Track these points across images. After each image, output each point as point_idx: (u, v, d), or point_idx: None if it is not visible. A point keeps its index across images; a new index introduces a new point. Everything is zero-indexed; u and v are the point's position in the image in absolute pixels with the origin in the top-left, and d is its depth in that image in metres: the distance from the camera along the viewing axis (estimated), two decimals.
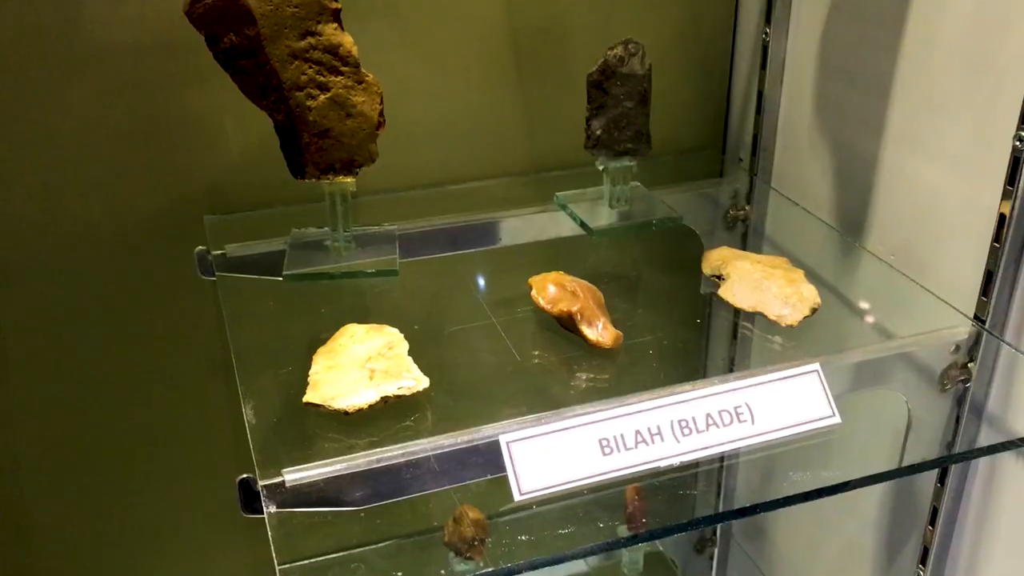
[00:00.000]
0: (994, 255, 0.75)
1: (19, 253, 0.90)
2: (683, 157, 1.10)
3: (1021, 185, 0.72)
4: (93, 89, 0.87)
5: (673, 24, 1.04)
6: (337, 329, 0.76)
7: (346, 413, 0.64)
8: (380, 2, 0.93)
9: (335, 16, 0.78)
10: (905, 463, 0.76)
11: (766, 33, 0.98)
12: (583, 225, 0.93)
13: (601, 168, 0.94)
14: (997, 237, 0.75)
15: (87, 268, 0.93)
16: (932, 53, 0.80)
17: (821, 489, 0.64)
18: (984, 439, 0.79)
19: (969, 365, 0.77)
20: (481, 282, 0.89)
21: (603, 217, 0.94)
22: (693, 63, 1.06)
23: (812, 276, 0.85)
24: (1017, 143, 0.71)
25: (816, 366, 0.66)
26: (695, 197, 1.05)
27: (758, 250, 1.00)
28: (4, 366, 0.94)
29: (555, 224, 0.97)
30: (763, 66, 1.00)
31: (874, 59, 0.86)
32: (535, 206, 0.99)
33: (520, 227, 0.99)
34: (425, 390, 0.66)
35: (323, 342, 0.74)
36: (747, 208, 1.05)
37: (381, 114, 0.82)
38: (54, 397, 0.96)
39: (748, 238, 1.03)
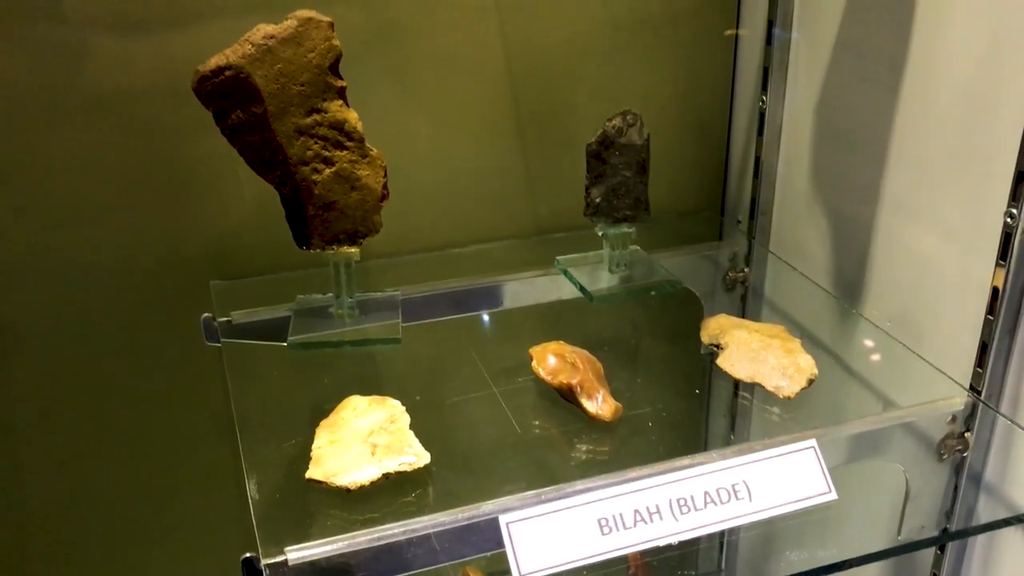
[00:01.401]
0: (988, 327, 0.76)
1: (26, 315, 0.92)
2: (682, 219, 1.11)
3: (1013, 260, 0.73)
4: (99, 146, 0.89)
5: (671, 88, 1.06)
6: (340, 398, 0.77)
7: (348, 490, 0.65)
8: (385, 68, 0.95)
9: (340, 94, 0.80)
10: (903, 533, 0.77)
11: (763, 100, 1.00)
12: (583, 290, 0.94)
13: (600, 234, 0.95)
14: (991, 309, 0.76)
15: (93, 330, 0.94)
16: (926, 125, 0.82)
17: (818, 569, 0.64)
18: (983, 508, 0.80)
19: (966, 435, 0.78)
20: (482, 349, 0.90)
21: (603, 282, 0.95)
22: (691, 127, 1.08)
23: (809, 342, 0.87)
24: (1008, 219, 0.73)
25: (813, 442, 0.67)
26: (694, 260, 1.07)
27: (757, 313, 1.02)
28: (10, 428, 0.95)
29: (556, 287, 0.98)
30: (760, 132, 1.02)
31: (869, 128, 0.88)
32: (536, 269, 1.00)
33: (521, 291, 1.00)
34: (426, 465, 0.67)
35: (326, 412, 0.75)
36: (746, 271, 1.06)
37: (385, 186, 0.84)
38: (58, 458, 0.97)
39: (747, 300, 1.05)
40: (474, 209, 1.04)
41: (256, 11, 0.87)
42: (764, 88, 0.99)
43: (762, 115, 1.01)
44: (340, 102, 0.80)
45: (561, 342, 0.81)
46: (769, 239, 1.06)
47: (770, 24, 0.97)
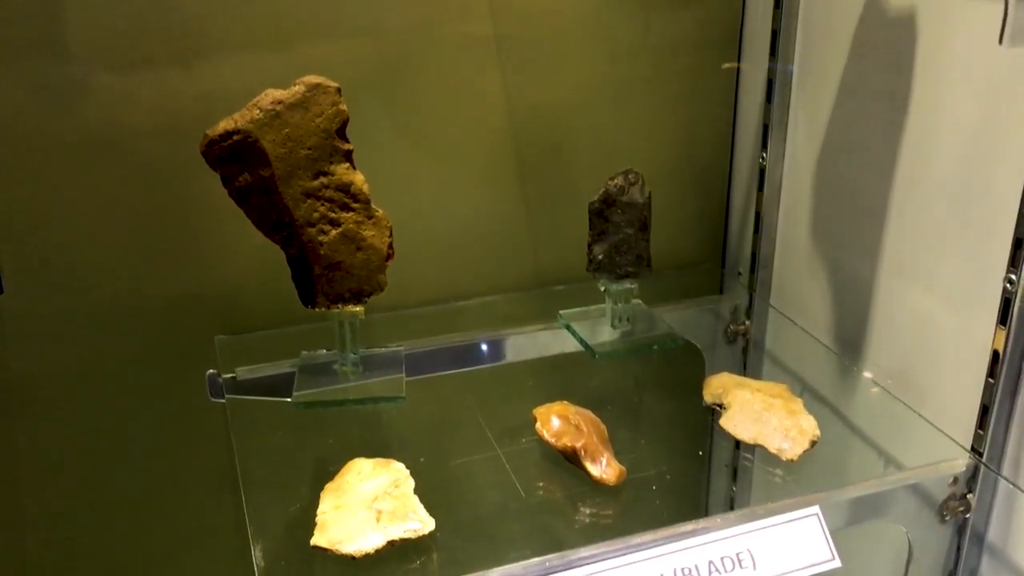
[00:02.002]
0: (989, 390, 0.76)
1: (29, 368, 0.92)
2: (684, 271, 1.12)
3: (1013, 324, 0.74)
4: (100, 192, 0.90)
5: (672, 143, 1.07)
6: (345, 456, 0.78)
7: (353, 558, 0.65)
8: (388, 123, 0.96)
9: (347, 156, 0.81)
10: None
11: (763, 157, 1.01)
12: (586, 346, 0.94)
13: (603, 289, 0.96)
14: (991, 372, 0.76)
15: (96, 382, 0.95)
16: (924, 185, 0.83)
17: None
18: (985, 569, 0.80)
19: (968, 496, 0.78)
20: (486, 407, 0.90)
21: (605, 337, 0.96)
22: (692, 180, 1.09)
23: (811, 398, 0.87)
24: (1007, 284, 0.73)
25: (816, 509, 0.67)
26: (696, 313, 1.07)
27: (758, 367, 1.02)
28: (13, 480, 0.95)
29: (559, 342, 0.99)
30: (760, 188, 1.03)
31: (868, 188, 0.89)
32: (539, 323, 1.01)
33: (524, 345, 1.00)
34: (431, 532, 0.67)
35: (331, 474, 0.75)
36: (747, 323, 1.07)
37: (390, 246, 0.85)
38: (61, 510, 0.97)
39: (748, 353, 1.05)
40: (477, 262, 1.05)
41: (258, 47, 0.89)
42: (764, 145, 1.01)
43: (762, 171, 1.02)
44: (347, 165, 0.82)
45: (565, 402, 0.81)
46: (770, 292, 1.06)
47: (770, 84, 0.98)
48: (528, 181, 1.04)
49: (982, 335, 0.77)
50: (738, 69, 1.05)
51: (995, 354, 0.76)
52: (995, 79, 0.74)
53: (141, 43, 0.86)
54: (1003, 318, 0.74)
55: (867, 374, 0.91)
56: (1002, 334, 0.75)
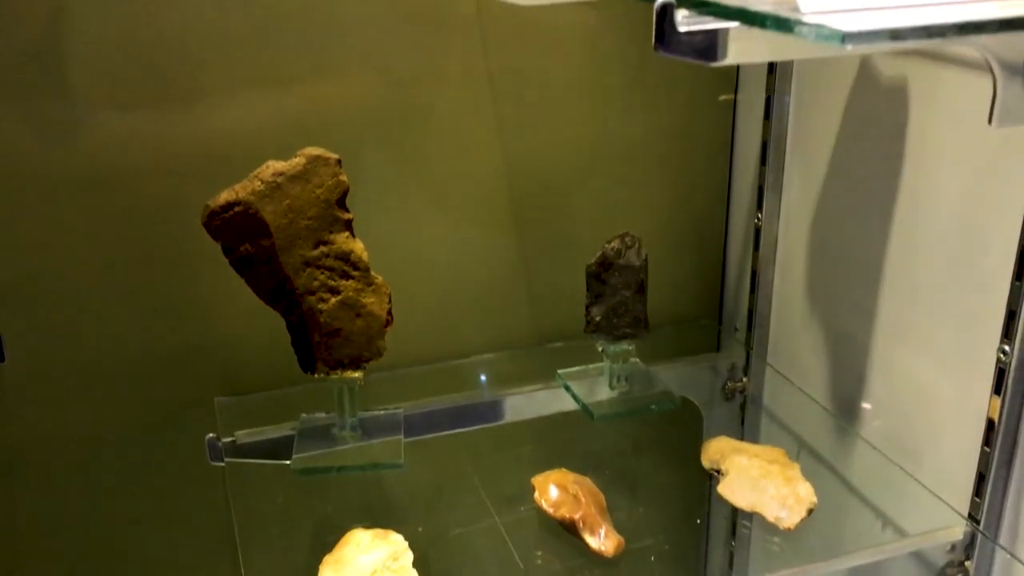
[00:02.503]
0: (985, 458, 0.77)
1: (29, 433, 0.93)
2: (681, 327, 1.13)
3: (1007, 394, 0.74)
4: (100, 241, 0.90)
5: (669, 199, 1.08)
6: (344, 522, 0.78)
7: None
8: (386, 182, 0.97)
9: (347, 226, 0.82)
10: None
11: (758, 217, 1.02)
12: (584, 407, 0.95)
13: (601, 350, 0.97)
14: (987, 440, 0.77)
15: (97, 445, 0.95)
16: (918, 252, 0.84)
17: None
18: None
19: (966, 564, 0.78)
20: (484, 471, 0.91)
21: (604, 398, 0.96)
22: (688, 237, 1.10)
23: (808, 460, 0.87)
24: (1001, 355, 0.74)
25: None
26: (694, 370, 1.08)
27: (756, 426, 1.03)
28: (12, 544, 0.95)
29: (557, 401, 0.99)
30: (756, 247, 1.04)
31: (862, 251, 0.90)
32: (538, 382, 1.01)
33: (523, 405, 1.01)
34: None
35: (329, 544, 0.76)
36: (744, 380, 1.07)
37: (389, 312, 0.86)
38: (61, 573, 0.97)
39: (746, 411, 1.06)
40: (476, 319, 1.06)
41: (258, 86, 0.90)
42: (759, 205, 1.02)
43: (757, 231, 1.03)
44: (347, 233, 0.83)
45: (563, 470, 0.81)
46: (767, 350, 1.07)
47: (764, 145, 1.00)
48: (526, 238, 1.05)
49: (977, 402, 0.78)
50: (733, 126, 1.06)
51: (990, 422, 0.76)
52: (985, 152, 0.75)
53: (144, 83, 0.87)
54: (997, 387, 0.75)
55: (863, 437, 0.92)
56: (997, 403, 0.75)
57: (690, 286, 1.13)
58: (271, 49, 0.89)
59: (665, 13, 0.55)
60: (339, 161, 0.80)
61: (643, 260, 0.93)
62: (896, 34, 0.45)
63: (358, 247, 0.83)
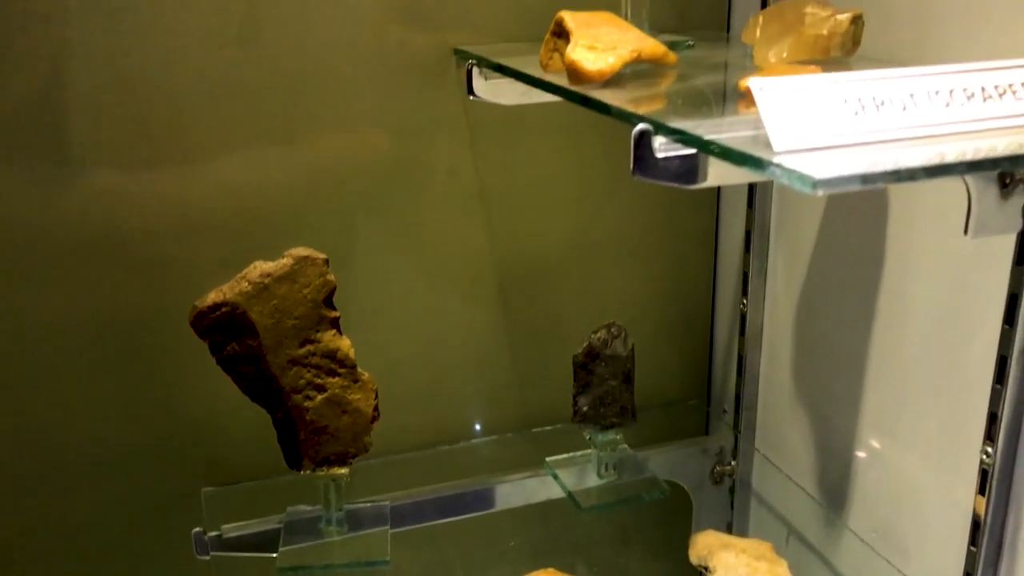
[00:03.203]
0: (972, 558, 0.77)
1: (14, 527, 0.92)
2: (670, 409, 1.13)
3: (992, 495, 0.74)
4: (84, 335, 0.91)
5: (655, 284, 1.09)
6: None
7: None
8: (371, 267, 0.98)
9: (334, 323, 0.83)
10: None
11: (743, 303, 1.03)
12: (571, 498, 0.95)
13: (588, 439, 0.97)
14: (973, 540, 0.77)
15: (81, 537, 0.94)
16: (903, 348, 0.85)
17: None
18: None
19: None
20: (471, 566, 0.90)
21: (592, 487, 0.96)
22: (675, 322, 1.11)
23: (795, 552, 0.87)
24: (984, 456, 0.74)
25: None
26: (683, 454, 1.08)
27: (745, 511, 1.03)
28: None
29: (545, 488, 0.99)
30: (742, 332, 1.04)
31: (847, 342, 0.91)
32: (526, 470, 1.01)
33: (511, 493, 1.00)
34: None
35: None
36: (733, 464, 1.07)
37: (376, 408, 0.86)
38: None
39: (735, 494, 1.06)
40: (463, 405, 1.06)
41: (258, 143, 0.90)
42: (744, 292, 1.03)
43: (743, 316, 1.04)
44: (333, 331, 0.83)
45: (551, 570, 0.81)
46: (755, 434, 1.07)
47: (748, 233, 1.01)
48: (514, 322, 1.06)
49: (963, 500, 0.78)
50: (717, 215, 1.08)
51: (975, 522, 0.76)
52: (966, 252, 0.76)
53: (141, 141, 0.87)
54: (982, 487, 0.75)
55: (850, 527, 0.92)
56: (982, 502, 0.76)
57: (678, 368, 1.14)
58: (263, 115, 0.90)
59: (643, 139, 0.56)
60: (326, 261, 0.81)
61: (629, 350, 0.94)
62: (867, 179, 0.46)
63: (344, 344, 0.83)
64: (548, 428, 1.08)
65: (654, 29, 0.90)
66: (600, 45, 0.70)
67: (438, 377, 1.04)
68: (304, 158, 0.93)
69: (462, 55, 0.90)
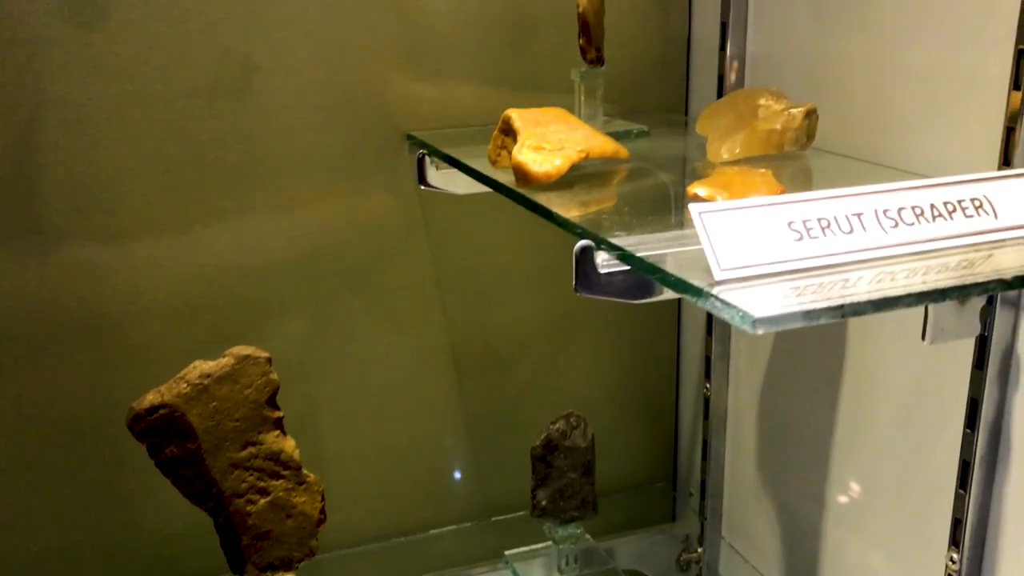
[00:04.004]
0: None
1: None
2: (635, 492, 1.10)
3: None
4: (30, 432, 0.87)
5: (618, 366, 1.06)
6: None
7: None
8: (325, 354, 0.95)
9: (277, 424, 0.79)
10: None
11: (707, 387, 1.01)
12: None
13: (548, 532, 0.94)
14: None
15: None
16: (867, 445, 0.82)
17: None
18: None
19: None
20: None
21: None
22: (639, 404, 1.08)
23: None
24: (950, 562, 0.72)
25: None
26: (649, 542, 1.05)
27: None
28: None
29: None
30: (706, 416, 1.02)
31: (811, 435, 0.88)
32: (484, 564, 0.98)
33: None
34: None
35: None
36: (699, 551, 1.04)
37: (322, 511, 0.82)
38: None
39: None
40: (420, 494, 1.02)
41: (210, 224, 0.88)
42: (707, 376, 1.00)
43: (707, 400, 1.01)
44: (277, 432, 0.80)
45: None
46: (721, 520, 1.04)
47: (710, 316, 0.99)
48: (472, 408, 1.03)
49: None
50: (679, 300, 1.05)
51: None
52: (925, 356, 0.74)
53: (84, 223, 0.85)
54: None
55: None
56: None
57: (644, 450, 1.11)
58: (218, 196, 0.88)
59: (585, 255, 0.54)
60: (268, 359, 0.78)
61: (589, 440, 0.91)
62: (810, 315, 0.44)
63: (288, 446, 0.80)
64: (509, 516, 1.04)
65: (609, 114, 0.90)
66: (548, 145, 0.68)
67: (393, 465, 1.00)
68: (257, 242, 0.91)
69: (415, 141, 0.88)
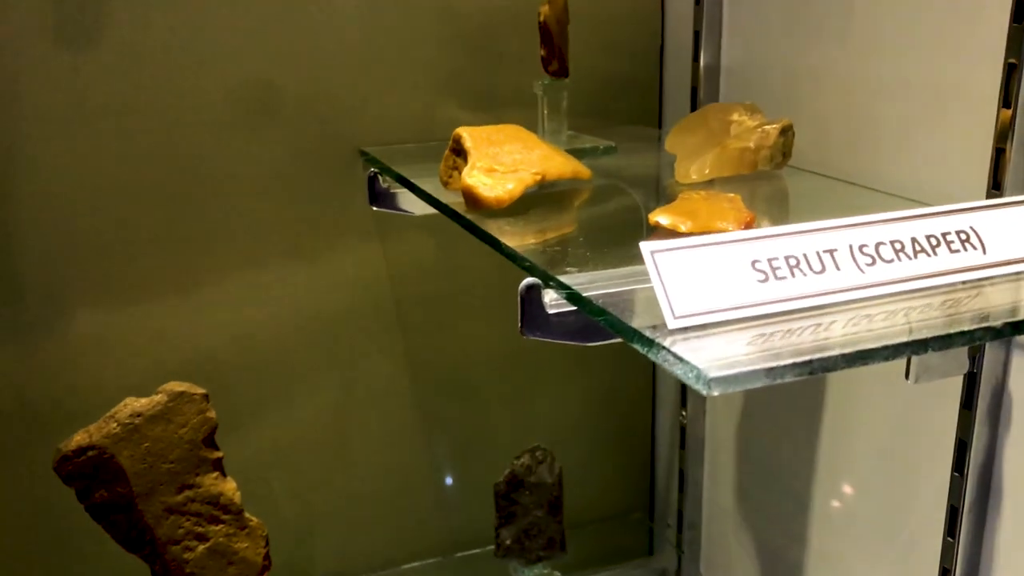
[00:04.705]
0: None
1: None
2: (612, 523, 1.04)
3: None
4: None
5: (592, 395, 1.01)
6: None
7: None
8: (278, 385, 0.90)
9: (216, 465, 0.74)
10: None
11: (683, 415, 0.96)
12: None
13: (513, 573, 0.88)
14: None
15: None
16: (849, 484, 0.77)
17: None
18: None
19: None
20: None
21: None
22: (614, 432, 1.03)
23: None
24: None
25: None
26: None
27: None
28: None
29: None
30: (683, 445, 0.97)
31: (792, 470, 0.83)
32: None
33: None
34: None
35: None
36: None
37: (266, 556, 0.77)
38: None
39: None
40: (381, 530, 0.97)
41: (162, 246, 0.83)
42: (683, 403, 0.95)
43: (683, 429, 0.96)
44: (215, 474, 0.74)
45: None
46: (700, 554, 0.99)
47: None
48: (437, 439, 0.97)
49: None
50: None
51: None
52: (910, 392, 0.69)
53: None
54: None
55: None
56: None
57: (620, 480, 1.05)
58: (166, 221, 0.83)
59: (532, 294, 0.49)
60: (206, 396, 0.73)
61: (556, 475, 0.86)
62: (773, 373, 0.38)
63: (228, 488, 0.74)
64: (476, 551, 0.99)
65: (577, 128, 0.85)
66: (500, 167, 0.63)
67: (354, 501, 0.95)
68: (210, 263, 0.85)
69: (368, 158, 0.82)
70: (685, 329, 0.41)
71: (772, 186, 0.67)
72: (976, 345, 0.58)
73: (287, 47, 0.81)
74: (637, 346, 0.42)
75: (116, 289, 0.82)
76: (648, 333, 0.41)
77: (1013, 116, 0.55)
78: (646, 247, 0.42)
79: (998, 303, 0.45)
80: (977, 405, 0.61)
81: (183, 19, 0.78)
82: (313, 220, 0.86)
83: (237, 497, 0.75)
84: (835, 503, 0.79)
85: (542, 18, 0.77)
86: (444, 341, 0.94)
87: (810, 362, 0.39)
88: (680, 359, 0.39)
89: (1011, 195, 0.56)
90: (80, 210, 0.80)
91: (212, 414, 0.73)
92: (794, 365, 0.38)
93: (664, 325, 0.41)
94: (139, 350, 0.84)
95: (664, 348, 0.40)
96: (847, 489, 0.77)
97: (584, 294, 0.47)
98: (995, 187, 0.57)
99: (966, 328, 0.41)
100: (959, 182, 0.61)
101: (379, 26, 0.84)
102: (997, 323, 0.42)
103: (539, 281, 0.49)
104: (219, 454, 0.74)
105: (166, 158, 0.81)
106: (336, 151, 0.85)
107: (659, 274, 0.42)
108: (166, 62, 0.79)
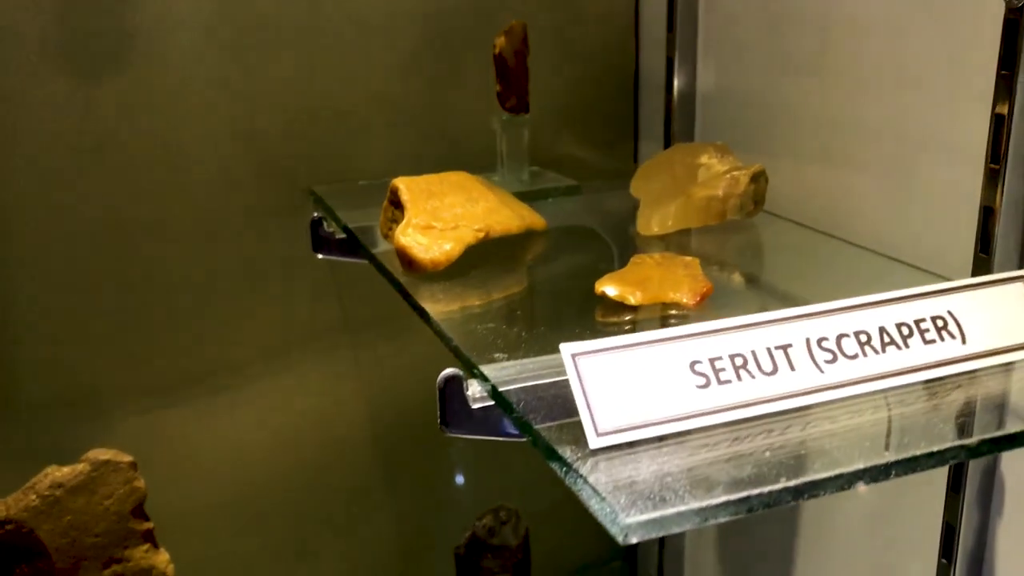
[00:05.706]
0: None
1: None
2: (590, 573, 0.99)
3: None
4: None
5: None
6: None
7: None
8: (228, 439, 0.84)
9: (147, 536, 0.69)
10: None
11: None
12: None
13: None
14: None
15: None
16: (834, 541, 0.72)
17: None
18: None
19: None
20: None
21: None
22: None
23: None
24: None
25: None
26: None
27: None
28: None
29: None
30: None
31: (774, 526, 0.78)
32: None
33: None
34: None
35: None
36: None
37: None
38: None
39: None
40: None
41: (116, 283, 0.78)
42: None
43: None
44: (146, 546, 0.69)
45: None
46: None
47: None
48: (391, 495, 0.91)
49: None
50: None
51: None
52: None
53: None
54: None
55: None
56: None
57: (597, 524, 0.99)
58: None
59: (452, 386, 0.43)
60: (133, 464, 0.67)
61: (522, 537, 0.80)
62: (704, 514, 0.33)
63: (161, 560, 0.69)
64: None
65: (540, 163, 0.79)
66: (439, 224, 0.57)
67: (304, 563, 0.90)
68: (157, 299, 0.80)
69: (316, 199, 0.77)
70: (609, 449, 0.36)
71: (741, 239, 0.61)
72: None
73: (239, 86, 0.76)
74: (555, 467, 0.36)
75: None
76: (568, 453, 0.36)
77: (1003, 174, 0.49)
78: (566, 349, 0.37)
79: (977, 407, 0.39)
80: (966, 487, 0.55)
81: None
82: (259, 257, 0.81)
83: (170, 570, 0.69)
84: (818, 555, 0.73)
85: (497, 50, 0.71)
86: (398, 382, 0.88)
87: (747, 499, 0.33)
88: (597, 492, 0.33)
89: (1000, 261, 0.50)
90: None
91: (140, 483, 0.68)
92: (728, 504, 0.32)
93: (585, 443, 0.36)
94: None
95: (580, 476, 0.34)
96: (831, 564, 0.71)
97: (506, 389, 0.41)
98: (983, 251, 0.51)
99: (936, 449, 0.35)
100: (943, 240, 0.55)
101: (336, 56, 0.79)
102: (972, 441, 0.36)
103: (460, 372, 0.43)
104: (149, 525, 0.69)
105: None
106: (283, 191, 0.80)
107: (581, 382, 0.36)
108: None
